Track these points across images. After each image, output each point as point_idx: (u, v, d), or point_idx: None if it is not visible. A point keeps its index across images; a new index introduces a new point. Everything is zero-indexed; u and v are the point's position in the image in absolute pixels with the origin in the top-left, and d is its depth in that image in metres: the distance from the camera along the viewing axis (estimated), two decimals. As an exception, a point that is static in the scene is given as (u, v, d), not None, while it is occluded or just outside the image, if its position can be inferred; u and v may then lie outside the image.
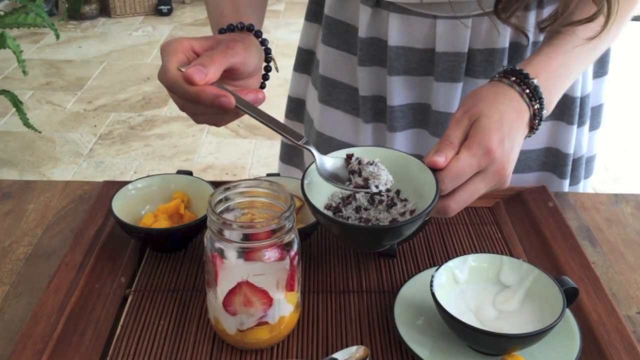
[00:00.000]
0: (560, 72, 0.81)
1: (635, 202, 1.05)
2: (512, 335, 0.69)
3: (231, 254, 0.69)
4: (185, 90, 0.74)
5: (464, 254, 0.80)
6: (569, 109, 1.04)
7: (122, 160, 3.20)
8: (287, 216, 0.69)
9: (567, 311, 0.75)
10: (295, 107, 1.21)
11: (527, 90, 0.78)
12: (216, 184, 0.89)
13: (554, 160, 1.09)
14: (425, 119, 1.06)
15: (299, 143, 0.74)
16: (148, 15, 5.40)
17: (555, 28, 0.85)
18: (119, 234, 0.90)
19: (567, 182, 1.11)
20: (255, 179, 0.78)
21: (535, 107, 0.78)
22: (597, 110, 1.11)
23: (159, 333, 0.76)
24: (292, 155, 1.25)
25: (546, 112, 0.79)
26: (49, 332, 0.75)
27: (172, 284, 0.84)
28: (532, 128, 0.79)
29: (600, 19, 0.81)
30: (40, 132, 3.05)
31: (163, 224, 0.88)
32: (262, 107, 0.78)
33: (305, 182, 0.75)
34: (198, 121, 0.81)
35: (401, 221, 0.74)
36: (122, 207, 0.88)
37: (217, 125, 0.84)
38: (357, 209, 0.78)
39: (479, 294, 0.77)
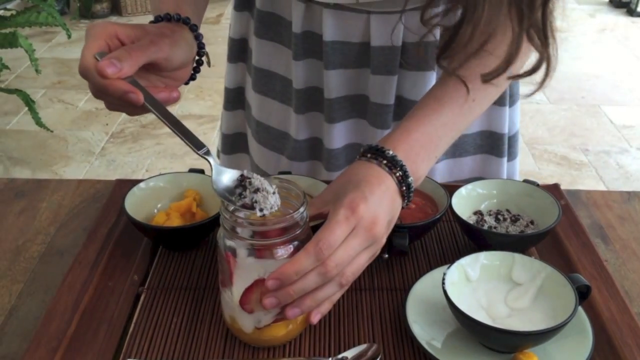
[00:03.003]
0: (422, 141, 0.80)
1: (647, 200, 1.04)
2: (524, 333, 0.69)
3: (244, 251, 0.69)
4: (96, 80, 0.73)
5: (476, 251, 0.80)
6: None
7: (134, 159, 3.21)
8: (300, 213, 0.69)
9: (580, 309, 0.75)
10: (233, 97, 1.20)
11: (385, 161, 0.76)
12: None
13: (490, 142, 1.11)
14: (364, 109, 1.07)
15: (199, 152, 0.73)
16: (159, 13, 5.39)
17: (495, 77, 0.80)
18: (131, 232, 0.90)
19: (505, 159, 1.12)
20: (267, 176, 0.78)
21: (397, 174, 0.75)
22: (516, 85, 1.12)
23: (172, 330, 0.76)
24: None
25: (415, 179, 0.77)
26: (63, 329, 0.75)
27: (184, 282, 0.84)
28: (404, 196, 0.76)
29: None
30: (52, 131, 3.06)
31: (175, 222, 0.88)
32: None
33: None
34: (110, 109, 0.80)
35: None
36: (135, 205, 0.89)
37: (130, 115, 0.82)
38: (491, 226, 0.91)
39: (491, 291, 0.77)
